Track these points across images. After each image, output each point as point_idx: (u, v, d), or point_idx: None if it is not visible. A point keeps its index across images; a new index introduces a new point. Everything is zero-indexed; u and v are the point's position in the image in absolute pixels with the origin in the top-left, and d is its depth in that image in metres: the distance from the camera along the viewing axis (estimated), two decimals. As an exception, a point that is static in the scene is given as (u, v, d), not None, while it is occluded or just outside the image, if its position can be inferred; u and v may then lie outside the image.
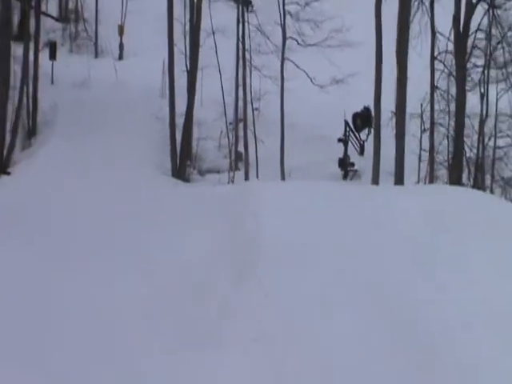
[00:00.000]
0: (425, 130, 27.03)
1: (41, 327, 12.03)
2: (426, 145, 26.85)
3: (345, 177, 28.69)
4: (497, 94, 27.12)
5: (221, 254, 13.99)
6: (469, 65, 26.43)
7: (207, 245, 14.70)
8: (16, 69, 26.00)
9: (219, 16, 28.85)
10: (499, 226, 13.55)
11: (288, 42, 28.03)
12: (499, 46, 26.96)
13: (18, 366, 10.60)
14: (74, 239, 16.35)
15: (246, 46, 28.27)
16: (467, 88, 25.99)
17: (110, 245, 15.88)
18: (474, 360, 9.58)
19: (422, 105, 26.87)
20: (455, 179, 25.19)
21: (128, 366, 10.61)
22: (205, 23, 27.45)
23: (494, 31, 26.79)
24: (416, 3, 25.99)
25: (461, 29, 25.38)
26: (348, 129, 29.31)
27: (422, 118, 27.17)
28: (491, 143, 27.40)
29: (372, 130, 26.75)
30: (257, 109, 28.85)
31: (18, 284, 13.60)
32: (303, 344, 10.43)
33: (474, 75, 27.31)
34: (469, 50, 26.11)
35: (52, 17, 37.27)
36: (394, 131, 24.37)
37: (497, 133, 27.31)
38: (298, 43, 28.74)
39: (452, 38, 25.89)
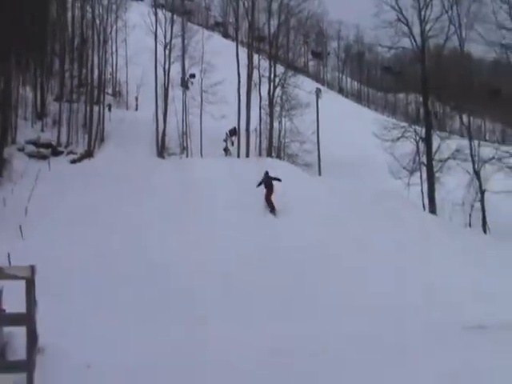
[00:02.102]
0: (258, 136, 34.70)
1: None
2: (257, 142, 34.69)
3: (226, 155, 33.64)
4: (285, 122, 35.37)
5: (177, 181, 22.29)
6: (274, 110, 34.79)
7: (172, 178, 22.74)
8: (95, 116, 32.86)
9: (175, 92, 34.61)
10: (293, 174, 22.72)
11: (203, 102, 34.93)
12: (286, 102, 35.33)
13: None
14: (127, 178, 23.44)
15: (186, 104, 34.85)
16: (274, 119, 34.86)
17: (142, 177, 23.49)
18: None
19: (256, 128, 34.38)
20: (269, 155, 33.02)
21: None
22: (170, 95, 33.85)
23: (284, 97, 35.35)
24: (253, 84, 33.69)
25: (271, 95, 34.32)
26: (226, 135, 35.31)
27: (255, 131, 34.45)
28: (283, 140, 35.71)
29: (236, 137, 34.14)
30: (190, 128, 34.08)
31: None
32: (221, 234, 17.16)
33: (276, 114, 34.99)
34: (275, 104, 34.71)
35: (109, 94, 40.87)
36: (246, 137, 32.35)
37: (286, 136, 35.62)
38: (207, 102, 34.75)
39: (267, 100, 34.56)
